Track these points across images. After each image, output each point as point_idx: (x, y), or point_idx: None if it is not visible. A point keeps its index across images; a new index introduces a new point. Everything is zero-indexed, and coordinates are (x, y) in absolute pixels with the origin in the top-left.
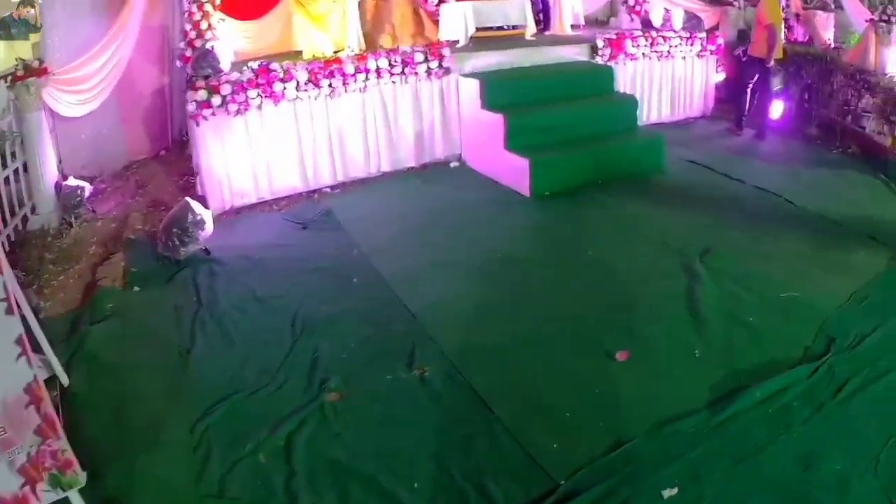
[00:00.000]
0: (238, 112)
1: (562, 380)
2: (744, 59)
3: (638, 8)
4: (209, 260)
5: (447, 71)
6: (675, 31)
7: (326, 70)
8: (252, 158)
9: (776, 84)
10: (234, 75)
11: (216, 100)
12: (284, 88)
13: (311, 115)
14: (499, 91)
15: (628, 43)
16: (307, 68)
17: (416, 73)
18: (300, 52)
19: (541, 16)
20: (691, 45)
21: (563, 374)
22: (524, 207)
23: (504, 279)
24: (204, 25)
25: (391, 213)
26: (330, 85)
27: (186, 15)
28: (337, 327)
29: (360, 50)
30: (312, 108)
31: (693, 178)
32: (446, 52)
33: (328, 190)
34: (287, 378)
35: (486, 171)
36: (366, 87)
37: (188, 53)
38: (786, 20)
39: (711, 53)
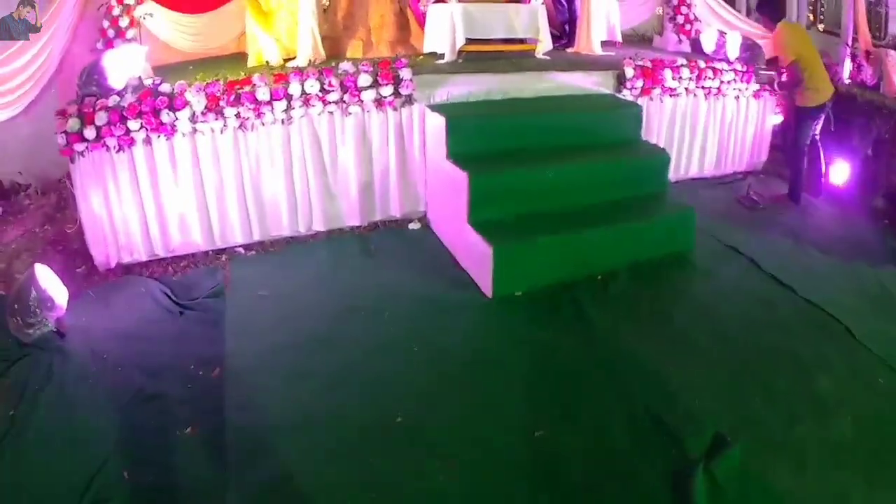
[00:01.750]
0: (120, 148)
1: None
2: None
3: (688, 27)
4: (56, 349)
5: (408, 100)
6: (728, 63)
7: (230, 95)
8: (142, 207)
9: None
10: (114, 99)
11: (90, 132)
12: (176, 119)
13: (215, 154)
14: (467, 134)
15: (667, 73)
16: (206, 91)
17: (361, 102)
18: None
19: (566, 27)
20: (748, 82)
21: None
22: (475, 319)
23: (385, 475)
24: (124, 22)
25: (296, 302)
26: (237, 115)
27: (105, 9)
28: None
29: (315, 61)
30: (218, 145)
31: (726, 277)
32: (405, 73)
33: (241, 251)
34: None
35: (449, 241)
36: (289, 117)
37: None
38: (854, 57)
39: (770, 94)
